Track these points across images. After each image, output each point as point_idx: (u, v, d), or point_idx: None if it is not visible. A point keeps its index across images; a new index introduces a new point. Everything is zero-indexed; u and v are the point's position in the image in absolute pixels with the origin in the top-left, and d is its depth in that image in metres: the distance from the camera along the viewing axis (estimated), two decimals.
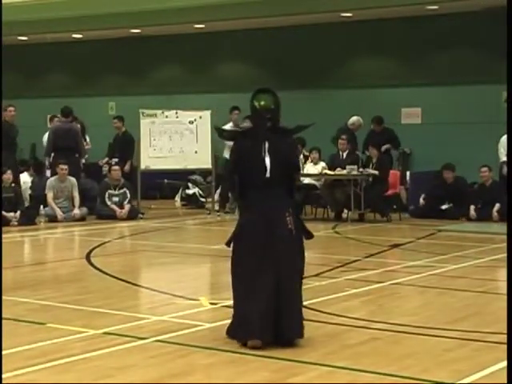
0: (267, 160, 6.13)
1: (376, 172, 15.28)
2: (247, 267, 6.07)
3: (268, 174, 6.13)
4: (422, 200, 15.59)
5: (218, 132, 6.70)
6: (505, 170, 15.42)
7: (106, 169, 16.78)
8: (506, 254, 10.87)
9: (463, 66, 17.70)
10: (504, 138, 15.73)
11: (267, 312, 5.96)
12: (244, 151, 6.22)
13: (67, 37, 21.45)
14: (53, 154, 15.79)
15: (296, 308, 6.11)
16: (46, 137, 17.29)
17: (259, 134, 6.21)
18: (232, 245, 6.27)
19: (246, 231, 6.15)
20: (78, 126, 16.40)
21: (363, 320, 6.94)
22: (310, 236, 6.36)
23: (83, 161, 16.58)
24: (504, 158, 15.57)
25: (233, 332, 6.17)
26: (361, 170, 15.23)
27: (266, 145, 6.16)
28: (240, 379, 5.35)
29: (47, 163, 16.32)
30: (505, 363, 5.64)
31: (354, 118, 16.84)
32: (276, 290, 6.00)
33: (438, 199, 15.40)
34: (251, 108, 6.31)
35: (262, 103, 6.24)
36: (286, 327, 6.02)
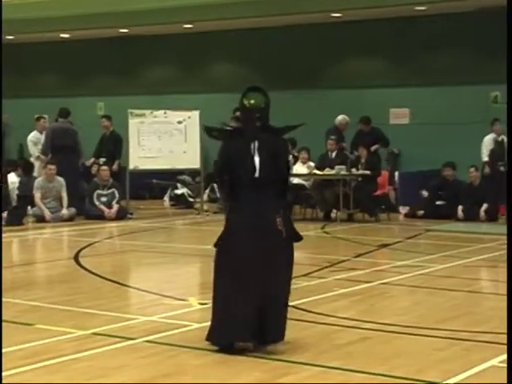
0: (256, 159, 6.05)
1: (368, 172, 15.31)
2: (234, 269, 5.97)
3: (257, 174, 6.05)
4: (424, 192, 15.54)
5: (207, 131, 6.59)
6: (486, 170, 15.52)
7: (95, 169, 16.72)
8: (494, 254, 10.95)
9: (451, 66, 17.74)
10: (487, 138, 15.81)
11: (253, 315, 5.88)
12: (233, 150, 6.15)
13: (55, 36, 21.41)
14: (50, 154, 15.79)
15: (280, 311, 6.03)
16: (30, 137, 17.26)
17: (249, 133, 6.13)
18: (219, 245, 6.17)
19: (234, 232, 6.05)
20: None
21: (353, 320, 6.95)
22: (298, 238, 6.26)
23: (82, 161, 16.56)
24: (486, 159, 15.65)
25: (214, 335, 6.02)
26: (354, 170, 15.26)
27: (256, 144, 6.08)
28: (231, 379, 5.35)
29: (37, 164, 16.33)
30: (494, 362, 5.68)
31: (340, 117, 16.92)
32: (262, 292, 5.92)
33: (439, 197, 15.47)
34: (241, 106, 6.23)
35: (252, 102, 6.15)
36: (269, 330, 5.95)
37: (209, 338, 6.07)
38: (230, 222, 6.15)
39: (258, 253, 5.97)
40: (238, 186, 6.12)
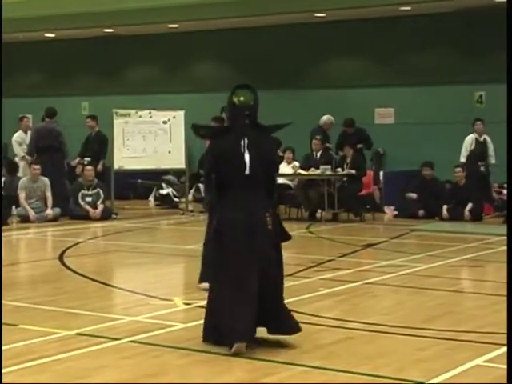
0: (246, 156, 6.01)
1: (353, 171, 15.33)
2: (230, 269, 5.93)
3: (248, 171, 6.01)
4: (412, 194, 15.53)
5: (194, 129, 6.54)
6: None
7: (79, 170, 16.69)
8: (478, 253, 11.00)
9: (436, 66, 17.79)
10: (468, 138, 15.85)
11: (252, 315, 5.87)
12: (222, 148, 6.09)
13: (40, 36, 21.34)
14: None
15: (284, 308, 6.09)
16: (15, 137, 17.20)
17: (238, 130, 6.09)
18: (212, 245, 6.12)
19: (227, 231, 6.00)
20: None
21: (337, 320, 6.96)
22: (287, 238, 6.27)
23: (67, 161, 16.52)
24: (463, 159, 15.70)
25: (213, 336, 6.01)
26: (339, 170, 15.28)
27: (246, 141, 6.04)
28: (214, 379, 5.34)
29: (21, 164, 16.29)
30: (478, 361, 5.70)
31: (325, 117, 17.02)
32: (260, 291, 5.90)
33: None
34: (229, 104, 6.17)
35: (242, 99, 6.12)
36: (281, 326, 6.00)
37: (207, 338, 6.05)
38: (220, 220, 6.09)
39: (251, 251, 5.93)
40: (227, 184, 6.07)
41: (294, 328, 6.09)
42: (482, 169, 15.49)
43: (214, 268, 6.12)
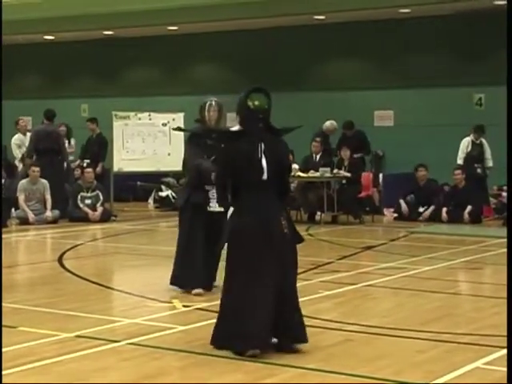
0: (264, 162, 5.98)
1: (348, 174, 15.35)
2: (246, 274, 5.88)
3: (265, 176, 5.99)
4: (403, 204, 15.54)
5: (206, 134, 6.48)
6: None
7: (77, 173, 16.70)
8: (477, 256, 11.00)
9: (435, 68, 17.79)
10: (464, 141, 15.84)
11: (268, 320, 5.84)
12: (238, 153, 6.03)
13: (39, 38, 21.35)
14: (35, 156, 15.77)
15: (300, 313, 6.06)
16: (14, 139, 17.21)
17: (254, 135, 6.05)
18: (227, 250, 6.05)
19: (245, 236, 5.93)
20: (65, 129, 16.73)
21: (336, 322, 6.96)
22: (300, 240, 6.24)
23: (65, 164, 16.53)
24: (460, 162, 15.69)
25: (225, 341, 5.94)
26: (336, 171, 15.29)
27: (262, 146, 6.01)
28: (213, 381, 5.34)
29: (21, 166, 16.30)
30: (477, 363, 5.70)
31: (328, 123, 16.95)
32: (278, 295, 5.88)
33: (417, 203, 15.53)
34: (244, 107, 6.10)
35: (257, 103, 6.08)
36: (295, 333, 5.97)
37: (218, 343, 5.98)
38: (236, 225, 6.04)
39: (269, 255, 5.90)
40: (242, 188, 6.03)
41: (303, 338, 6.02)
42: (479, 171, 15.48)
43: (230, 272, 6.03)
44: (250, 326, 5.81)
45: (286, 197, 6.26)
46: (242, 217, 6.02)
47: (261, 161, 5.98)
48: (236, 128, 6.39)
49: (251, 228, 5.93)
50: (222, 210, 8.08)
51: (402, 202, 15.48)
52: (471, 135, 15.84)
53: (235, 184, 6.08)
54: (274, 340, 5.98)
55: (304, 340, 6.01)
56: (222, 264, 7.70)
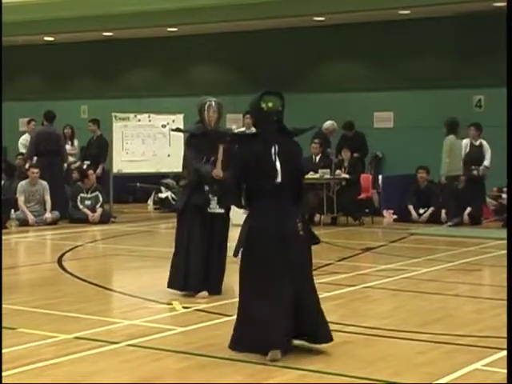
0: (278, 164, 5.96)
1: (347, 176, 15.35)
2: (265, 277, 5.85)
3: (279, 179, 5.96)
4: (413, 211, 15.56)
5: (220, 136, 6.46)
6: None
7: (75, 175, 16.68)
8: (477, 257, 10.99)
9: (435, 70, 17.79)
10: (463, 143, 15.81)
11: (289, 322, 5.82)
12: (252, 155, 6.00)
13: (39, 39, 21.35)
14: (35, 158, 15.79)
15: (321, 313, 6.06)
16: (21, 140, 17.28)
17: (267, 137, 6.03)
18: (242, 254, 6.00)
19: (259, 239, 5.91)
20: (69, 130, 16.92)
21: (335, 323, 6.94)
22: (317, 241, 6.24)
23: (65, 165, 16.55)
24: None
25: (245, 343, 5.91)
26: (338, 171, 15.30)
27: (276, 148, 5.99)
28: (213, 383, 5.34)
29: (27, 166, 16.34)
30: (477, 365, 5.70)
31: (328, 123, 16.93)
32: (295, 298, 5.87)
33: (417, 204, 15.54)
34: (257, 109, 6.09)
35: (270, 105, 6.08)
36: (318, 335, 5.99)
37: (236, 346, 5.96)
38: (251, 228, 6.00)
39: (285, 258, 5.88)
40: (257, 191, 6.01)
41: (325, 338, 6.03)
42: (475, 172, 15.46)
43: (246, 276, 6.00)
44: (270, 329, 5.78)
45: (301, 200, 6.18)
46: (256, 220, 6.00)
47: (274, 164, 5.96)
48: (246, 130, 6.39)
49: (264, 232, 5.90)
50: (222, 211, 8.09)
51: (411, 208, 15.48)
52: (468, 137, 15.84)
53: (249, 187, 6.04)
54: (296, 342, 5.99)
55: (327, 339, 6.01)
56: (230, 266, 7.71)
